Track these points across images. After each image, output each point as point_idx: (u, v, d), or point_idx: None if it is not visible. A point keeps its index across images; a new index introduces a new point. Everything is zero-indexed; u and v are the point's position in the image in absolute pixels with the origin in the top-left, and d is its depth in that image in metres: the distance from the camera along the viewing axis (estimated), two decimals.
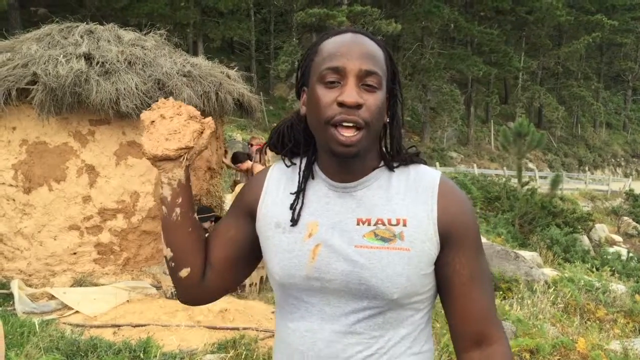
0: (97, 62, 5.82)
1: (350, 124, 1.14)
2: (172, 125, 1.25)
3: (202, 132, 1.28)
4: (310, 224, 1.25)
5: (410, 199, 1.22)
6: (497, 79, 41.66)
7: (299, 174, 1.30)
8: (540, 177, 26.41)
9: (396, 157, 1.28)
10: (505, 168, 29.03)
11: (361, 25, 26.30)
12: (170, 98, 1.30)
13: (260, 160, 7.66)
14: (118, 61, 5.88)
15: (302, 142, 1.33)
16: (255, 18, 33.40)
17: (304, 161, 1.32)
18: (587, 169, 38.35)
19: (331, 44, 1.20)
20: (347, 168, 1.24)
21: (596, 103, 43.68)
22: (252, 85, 8.47)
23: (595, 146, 46.39)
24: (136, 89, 5.69)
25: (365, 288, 1.17)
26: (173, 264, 1.34)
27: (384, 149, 1.29)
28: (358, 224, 1.21)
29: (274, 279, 1.29)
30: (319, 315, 1.23)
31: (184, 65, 6.29)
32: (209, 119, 1.30)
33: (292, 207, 1.27)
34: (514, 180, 13.90)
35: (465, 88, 37.81)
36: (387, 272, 1.16)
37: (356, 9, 27.23)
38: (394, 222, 1.20)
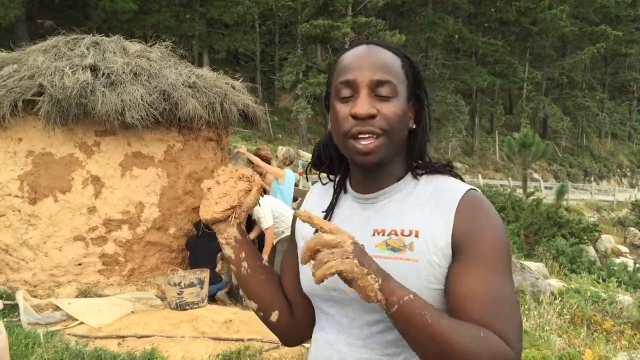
0: (103, 74, 5.85)
1: (367, 135, 1.15)
2: (223, 189, 1.31)
3: (249, 190, 1.33)
4: None
5: (428, 210, 1.20)
6: (501, 90, 41.69)
7: (333, 189, 1.35)
8: (546, 188, 26.31)
9: (420, 164, 1.28)
10: (510, 178, 28.96)
11: (365, 37, 26.41)
12: (230, 165, 1.38)
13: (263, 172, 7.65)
14: (124, 72, 5.91)
15: (336, 159, 1.37)
16: (260, 30, 33.56)
17: (338, 177, 1.37)
18: (592, 179, 38.24)
19: (345, 59, 1.22)
20: (371, 179, 1.26)
21: (601, 113, 43.62)
22: (256, 96, 8.51)
23: (600, 156, 46.24)
24: (141, 100, 5.71)
25: None
26: (261, 313, 1.39)
27: (411, 157, 1.28)
28: (373, 235, 1.22)
29: (303, 290, 1.34)
30: (336, 327, 1.25)
31: (189, 77, 6.32)
32: (257, 177, 1.35)
33: None
34: (519, 191, 13.85)
35: (470, 99, 37.84)
36: None
37: (360, 20, 27.34)
38: (406, 232, 1.18)
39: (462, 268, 1.13)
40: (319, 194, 1.41)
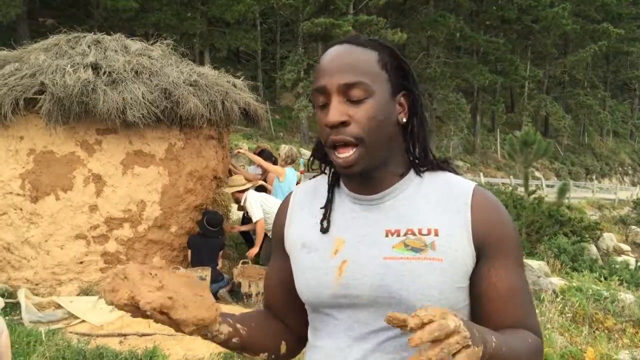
0: (104, 72, 5.85)
1: (342, 144, 1.12)
2: (178, 282, 1.07)
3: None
4: (336, 241, 1.21)
5: (441, 208, 1.17)
6: (503, 88, 41.63)
7: (328, 184, 1.28)
8: (547, 186, 26.26)
9: (423, 160, 1.23)
10: (511, 177, 28.90)
11: (367, 35, 26.32)
12: (117, 267, 1.07)
13: (265, 171, 7.64)
14: (125, 71, 5.91)
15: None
16: (262, 28, 33.61)
17: (331, 173, 1.30)
18: (594, 177, 38.19)
19: (320, 63, 1.18)
20: (368, 181, 1.21)
21: (603, 112, 43.51)
22: (258, 94, 8.51)
23: (602, 155, 46.18)
24: (143, 98, 5.71)
25: (396, 302, 1.12)
26: (273, 355, 1.31)
27: (410, 152, 1.23)
28: (387, 236, 1.16)
29: (302, 298, 1.27)
30: (347, 333, 1.19)
31: (190, 75, 6.31)
32: (157, 259, 1.20)
33: (321, 220, 1.24)
34: (521, 189, 13.81)
35: (471, 97, 37.76)
36: (419, 284, 1.10)
37: (362, 18, 27.29)
38: (424, 231, 1.14)
39: (499, 266, 1.15)
40: (307, 193, 1.34)
